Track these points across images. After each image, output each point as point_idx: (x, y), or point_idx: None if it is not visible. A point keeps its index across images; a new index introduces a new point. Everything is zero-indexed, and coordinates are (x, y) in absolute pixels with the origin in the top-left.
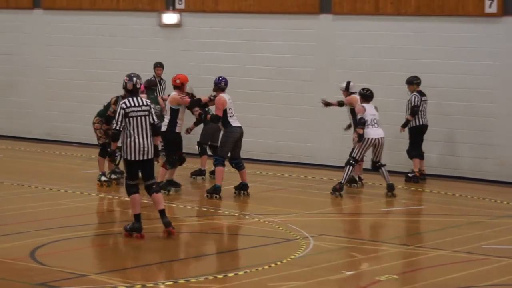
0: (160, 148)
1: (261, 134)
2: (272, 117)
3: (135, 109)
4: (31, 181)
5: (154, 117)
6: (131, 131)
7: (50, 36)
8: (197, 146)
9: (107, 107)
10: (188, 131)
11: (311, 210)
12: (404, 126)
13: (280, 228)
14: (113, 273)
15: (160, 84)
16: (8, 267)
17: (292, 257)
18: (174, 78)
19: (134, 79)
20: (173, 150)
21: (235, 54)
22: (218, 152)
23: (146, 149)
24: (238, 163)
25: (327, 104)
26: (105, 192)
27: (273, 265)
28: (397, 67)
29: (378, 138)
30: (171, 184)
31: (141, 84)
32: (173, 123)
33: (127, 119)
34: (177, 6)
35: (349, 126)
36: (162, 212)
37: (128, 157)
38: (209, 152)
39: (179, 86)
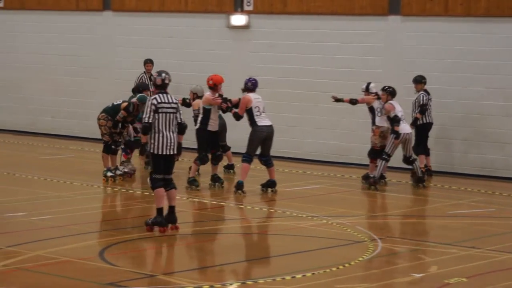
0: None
1: (327, 135)
2: (339, 119)
3: (165, 105)
4: (100, 182)
5: (181, 116)
6: (160, 127)
7: (119, 38)
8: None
9: (116, 107)
10: None
11: (379, 212)
12: (413, 124)
13: (348, 230)
14: (181, 273)
15: (150, 80)
16: (77, 267)
17: (360, 259)
18: (208, 78)
19: (163, 74)
20: (204, 148)
21: (303, 55)
22: (246, 149)
23: (172, 144)
24: (267, 161)
25: (337, 100)
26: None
27: (341, 267)
28: (466, 68)
29: (408, 133)
30: (215, 179)
31: (170, 80)
32: (205, 121)
33: (156, 114)
34: (245, 8)
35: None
36: (172, 208)
37: (156, 151)
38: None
39: (212, 87)
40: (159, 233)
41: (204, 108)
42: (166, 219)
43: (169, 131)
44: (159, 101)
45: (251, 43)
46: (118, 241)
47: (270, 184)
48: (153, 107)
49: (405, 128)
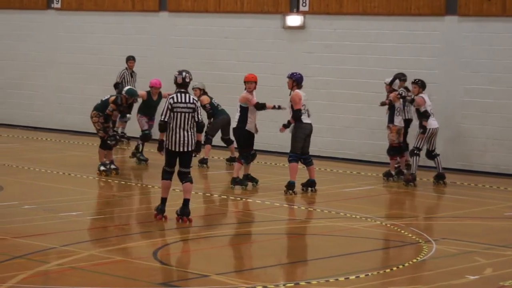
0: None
1: (383, 136)
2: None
3: (181, 105)
4: (156, 182)
5: (200, 115)
6: (173, 125)
7: (175, 39)
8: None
9: (104, 102)
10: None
11: (433, 214)
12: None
13: (402, 231)
14: (234, 274)
15: (132, 77)
16: (131, 266)
17: (415, 260)
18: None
19: (184, 73)
20: (245, 146)
21: (359, 56)
22: (290, 149)
23: (185, 142)
24: (306, 159)
25: (383, 104)
26: (228, 193)
27: (394, 268)
28: None
29: (435, 128)
30: (249, 179)
31: (190, 79)
32: (242, 119)
33: (172, 113)
34: (301, 8)
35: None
36: (186, 201)
37: (168, 147)
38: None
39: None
40: (153, 218)
41: (241, 107)
42: (180, 212)
43: (183, 129)
44: (175, 100)
45: (307, 44)
46: (172, 241)
47: (310, 184)
48: (169, 105)
49: (432, 123)
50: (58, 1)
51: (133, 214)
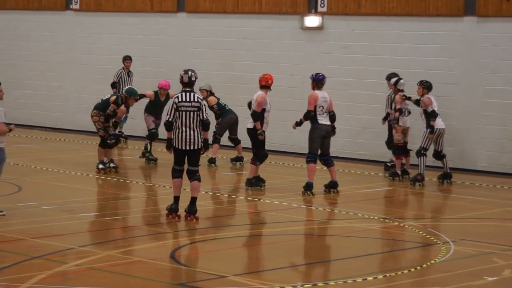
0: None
1: None
2: (412, 121)
3: (185, 104)
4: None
5: (205, 114)
6: (179, 124)
7: (193, 40)
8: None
9: (105, 101)
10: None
11: (452, 215)
12: (385, 119)
13: (420, 232)
14: (252, 274)
15: (128, 76)
16: (149, 267)
17: (433, 261)
18: (269, 77)
19: (190, 72)
20: (260, 146)
21: (377, 57)
22: (308, 149)
23: (191, 140)
24: (326, 160)
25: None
26: (245, 194)
27: (413, 269)
28: None
29: (443, 129)
30: (259, 179)
31: (196, 78)
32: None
33: (177, 113)
34: (319, 9)
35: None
36: (193, 200)
37: (175, 145)
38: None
39: (267, 86)
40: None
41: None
42: (188, 210)
43: (189, 128)
44: (180, 100)
45: (325, 45)
46: (190, 241)
47: (331, 185)
48: (174, 105)
49: (440, 123)
50: (76, 2)
51: (151, 214)
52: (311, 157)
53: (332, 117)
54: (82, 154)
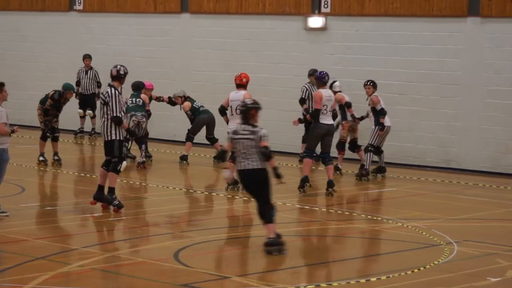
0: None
1: (405, 137)
2: (417, 121)
3: (101, 96)
4: (174, 183)
5: (111, 110)
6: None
7: (197, 40)
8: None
9: (46, 96)
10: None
11: (455, 216)
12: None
13: (424, 233)
14: (254, 275)
15: (86, 74)
16: (152, 267)
17: (436, 262)
18: (242, 76)
19: (118, 66)
20: None
21: (381, 57)
22: (306, 145)
23: (102, 131)
24: (324, 158)
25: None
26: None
27: (416, 270)
28: None
29: (390, 126)
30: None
31: (125, 72)
32: None
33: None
34: (323, 10)
35: (338, 123)
36: (110, 189)
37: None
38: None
39: (245, 85)
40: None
41: None
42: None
43: (101, 119)
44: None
45: (328, 45)
46: (193, 242)
47: (328, 184)
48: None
49: (387, 121)
50: (80, 3)
51: (154, 215)
52: (307, 152)
53: (334, 115)
54: (85, 155)
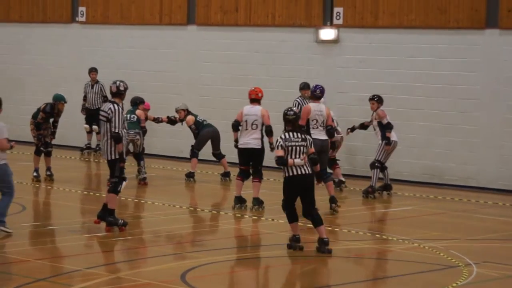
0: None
1: (421, 154)
2: (435, 137)
3: (101, 113)
4: (180, 202)
5: (113, 126)
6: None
7: (204, 53)
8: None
9: (38, 110)
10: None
11: (474, 236)
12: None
13: (441, 254)
14: None
15: (92, 88)
16: None
17: (454, 285)
18: (257, 90)
19: (118, 82)
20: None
21: (395, 71)
22: None
23: (103, 150)
24: (322, 175)
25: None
26: (257, 214)
27: None
28: None
29: (396, 141)
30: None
31: (125, 88)
32: (262, 137)
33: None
34: (335, 22)
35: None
36: (109, 210)
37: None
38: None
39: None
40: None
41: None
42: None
43: (102, 136)
44: (101, 108)
45: (341, 58)
46: (201, 263)
47: (330, 200)
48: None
49: (394, 135)
50: (82, 14)
51: (160, 235)
52: None
53: (330, 132)
54: (89, 172)
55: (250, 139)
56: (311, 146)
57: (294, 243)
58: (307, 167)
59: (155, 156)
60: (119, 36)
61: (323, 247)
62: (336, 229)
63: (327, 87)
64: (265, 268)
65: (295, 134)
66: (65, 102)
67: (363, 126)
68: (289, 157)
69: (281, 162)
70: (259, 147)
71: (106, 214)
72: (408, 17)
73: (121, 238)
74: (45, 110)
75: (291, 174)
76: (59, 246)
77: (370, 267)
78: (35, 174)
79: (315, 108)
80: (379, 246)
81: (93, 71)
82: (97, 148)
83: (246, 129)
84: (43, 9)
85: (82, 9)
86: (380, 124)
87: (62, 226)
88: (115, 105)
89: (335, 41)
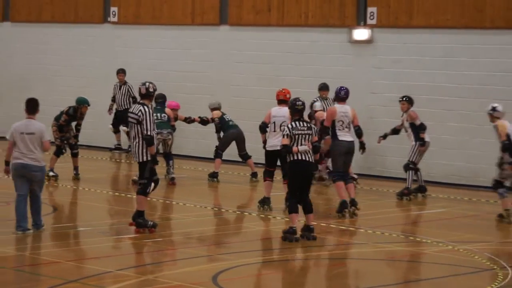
0: None
1: (455, 156)
2: (469, 139)
3: (131, 115)
4: (207, 203)
5: (145, 129)
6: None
7: (236, 54)
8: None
9: (61, 113)
10: None
11: (509, 238)
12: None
13: (476, 256)
14: None
15: (120, 89)
16: None
17: None
18: (286, 92)
19: (147, 83)
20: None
21: (430, 71)
22: (332, 168)
23: (133, 151)
24: (344, 177)
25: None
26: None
27: None
28: None
29: (429, 142)
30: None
31: (154, 89)
32: None
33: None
34: (369, 22)
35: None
36: (137, 212)
37: None
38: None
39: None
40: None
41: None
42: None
43: (132, 139)
44: (130, 110)
45: (375, 59)
46: (233, 265)
47: (350, 203)
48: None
49: (426, 136)
50: (114, 14)
51: (191, 236)
52: (337, 175)
53: (358, 133)
54: (120, 173)
55: (279, 141)
56: (315, 135)
57: (290, 235)
58: (310, 156)
59: (187, 157)
60: (150, 36)
61: (308, 233)
62: (369, 231)
63: (360, 88)
64: (296, 270)
65: (301, 123)
66: (89, 105)
67: (395, 131)
68: (295, 144)
69: (287, 150)
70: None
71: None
72: (443, 17)
73: (150, 240)
74: (68, 113)
75: (295, 158)
76: (89, 247)
77: (402, 270)
78: (51, 174)
79: (340, 109)
80: (412, 248)
81: (120, 72)
82: (129, 149)
83: (274, 131)
84: (75, 9)
85: (114, 9)
86: (412, 125)
87: (93, 227)
88: (145, 107)
89: (368, 42)
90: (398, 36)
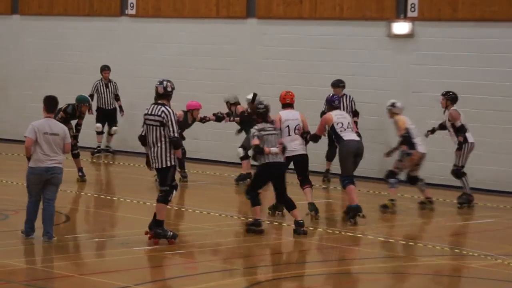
0: None
1: (505, 160)
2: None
3: (150, 117)
4: (231, 211)
5: (171, 130)
6: (148, 139)
7: (264, 49)
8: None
9: (59, 110)
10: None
11: None
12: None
13: None
14: None
15: (107, 87)
16: None
17: None
18: (292, 95)
19: (165, 82)
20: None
21: (476, 68)
22: (341, 172)
23: (154, 157)
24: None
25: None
26: (314, 225)
27: None
28: None
29: (473, 143)
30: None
31: (173, 88)
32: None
33: (145, 126)
34: (409, 14)
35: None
36: (155, 221)
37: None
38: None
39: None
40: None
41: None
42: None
43: (152, 144)
44: (146, 112)
45: (415, 54)
46: (262, 279)
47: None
48: (143, 118)
49: (470, 137)
50: (132, 7)
51: (216, 248)
52: (347, 179)
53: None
54: (138, 177)
55: (297, 145)
56: (280, 136)
57: (254, 227)
58: (281, 156)
59: (201, 161)
60: (171, 30)
61: (298, 228)
62: (410, 243)
63: (400, 86)
64: (328, 286)
65: (267, 125)
66: (89, 104)
67: (443, 127)
68: (265, 146)
69: (258, 150)
70: (306, 152)
71: (154, 225)
72: (490, 9)
73: (170, 252)
74: (66, 111)
75: (267, 161)
76: (105, 260)
77: (448, 286)
78: None
79: (335, 113)
80: (458, 262)
81: (105, 69)
82: (109, 149)
83: (289, 135)
84: (89, 1)
85: (132, 1)
86: (453, 126)
87: (109, 238)
88: (167, 108)
89: (409, 36)
90: (441, 30)
